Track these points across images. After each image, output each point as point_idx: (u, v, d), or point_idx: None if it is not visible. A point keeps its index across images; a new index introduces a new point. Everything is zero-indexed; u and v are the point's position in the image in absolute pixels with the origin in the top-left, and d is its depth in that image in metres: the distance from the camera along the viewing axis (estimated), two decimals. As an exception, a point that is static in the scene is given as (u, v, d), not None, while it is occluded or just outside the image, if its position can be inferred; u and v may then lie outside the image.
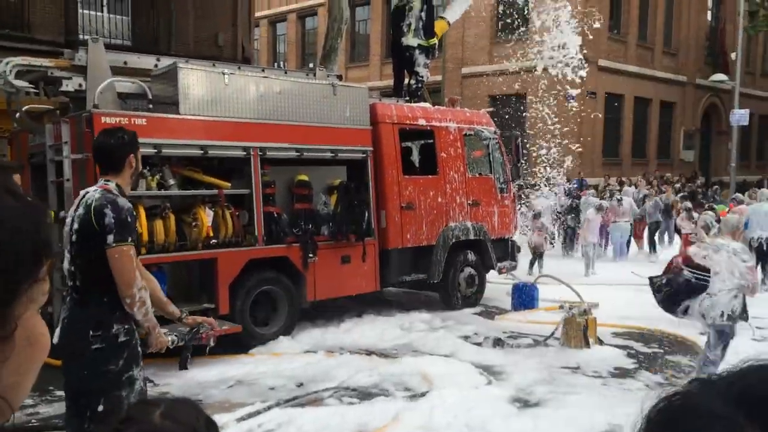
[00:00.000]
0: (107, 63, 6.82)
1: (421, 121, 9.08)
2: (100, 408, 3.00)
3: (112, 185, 3.16)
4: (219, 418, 5.08)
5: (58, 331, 3.11)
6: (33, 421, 5.28)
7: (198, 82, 6.89)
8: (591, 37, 15.91)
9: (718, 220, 10.55)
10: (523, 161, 11.51)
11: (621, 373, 6.52)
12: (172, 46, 13.14)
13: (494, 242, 9.80)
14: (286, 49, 36.26)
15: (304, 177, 7.78)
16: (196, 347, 3.76)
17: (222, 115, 7.06)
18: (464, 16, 27.58)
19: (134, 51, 8.85)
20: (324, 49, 12.73)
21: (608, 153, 24.79)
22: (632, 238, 14.90)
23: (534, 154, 16.02)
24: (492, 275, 10.12)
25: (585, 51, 12.95)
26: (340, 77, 9.25)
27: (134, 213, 3.20)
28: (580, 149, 19.53)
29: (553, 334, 7.45)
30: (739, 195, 15.03)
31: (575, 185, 18.35)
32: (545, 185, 18.10)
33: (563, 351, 7.11)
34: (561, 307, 8.00)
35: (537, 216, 13.12)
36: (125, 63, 7.21)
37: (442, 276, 9.04)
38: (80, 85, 6.77)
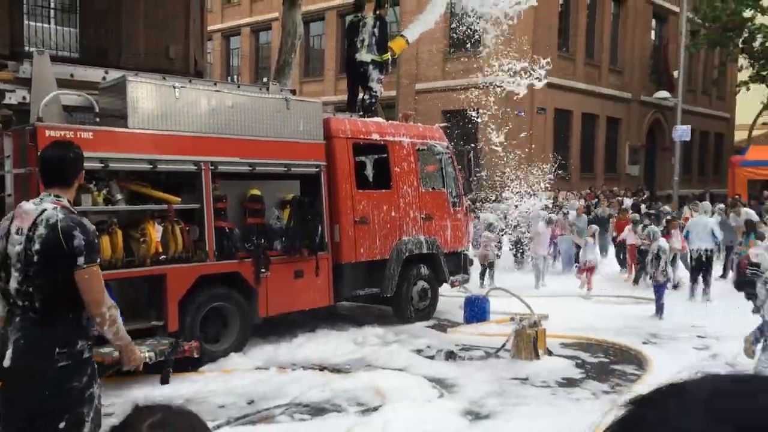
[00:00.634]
0: (53, 75, 6.68)
1: (375, 136, 9.15)
2: (62, 425, 2.96)
3: (64, 201, 3.10)
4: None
5: (9, 353, 3.01)
6: None
7: (147, 96, 6.81)
8: (545, 61, 16.31)
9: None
10: (474, 177, 11.69)
11: (569, 383, 6.66)
12: (121, 58, 12.90)
13: (447, 256, 9.90)
14: (239, 63, 36.05)
15: (256, 191, 7.74)
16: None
17: (172, 128, 6.97)
18: (418, 32, 27.83)
19: (82, 63, 8.67)
20: (278, 64, 12.73)
21: (562, 167, 25.36)
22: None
23: (485, 168, 16.29)
24: (445, 288, 10.21)
25: (537, 69, 13.23)
26: (293, 92, 9.26)
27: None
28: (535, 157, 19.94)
29: (504, 346, 7.55)
30: (666, 208, 15.54)
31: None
32: (498, 198, 18.40)
33: (514, 362, 7.22)
34: (512, 319, 8.12)
35: (488, 228, 13.34)
36: (72, 75, 7.08)
37: (395, 290, 9.09)
38: (24, 98, 6.62)
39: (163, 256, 6.78)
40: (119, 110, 6.72)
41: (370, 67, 10.03)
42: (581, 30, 26.29)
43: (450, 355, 7.60)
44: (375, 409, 5.68)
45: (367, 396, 6.06)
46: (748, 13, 29.14)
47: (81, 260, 2.99)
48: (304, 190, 8.39)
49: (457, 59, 26.14)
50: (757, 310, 6.11)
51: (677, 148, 24.33)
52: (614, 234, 15.24)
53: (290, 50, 12.40)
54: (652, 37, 31.43)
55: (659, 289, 9.89)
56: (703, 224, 11.31)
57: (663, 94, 26.53)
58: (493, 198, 19.38)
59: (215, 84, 8.13)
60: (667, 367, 6.91)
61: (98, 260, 3.11)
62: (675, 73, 26.07)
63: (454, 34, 25.72)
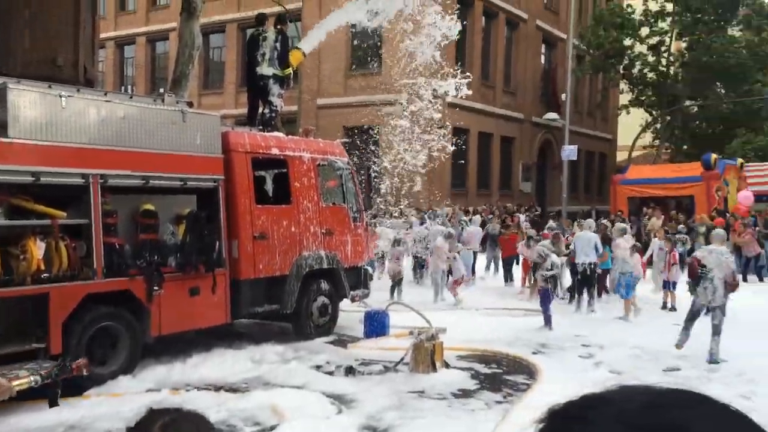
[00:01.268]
0: None
1: (275, 151, 9.08)
2: None
3: None
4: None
5: None
6: None
7: (31, 104, 6.44)
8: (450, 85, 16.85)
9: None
10: (374, 192, 11.86)
11: (464, 394, 6.84)
12: (3, 65, 12.10)
13: (347, 271, 9.94)
14: (134, 73, 34.73)
15: (149, 206, 7.46)
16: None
17: (57, 139, 6.62)
18: (320, 48, 28.02)
19: (-43, 68, 8.07)
20: (174, 75, 12.37)
21: (455, 184, 26.10)
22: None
23: (385, 184, 16.49)
24: (345, 303, 10.23)
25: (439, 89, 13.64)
26: (190, 104, 9.03)
27: None
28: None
29: (402, 359, 7.66)
30: (552, 224, 16.38)
31: (431, 215, 19.13)
32: (398, 214, 18.67)
33: (412, 376, 7.33)
34: (411, 333, 8.25)
35: (396, 243, 13.55)
36: (-55, 82, 6.57)
37: (295, 306, 9.01)
38: None
39: (45, 275, 6.40)
40: (-1, 119, 6.31)
41: (271, 81, 9.98)
42: (477, 52, 27.32)
43: (349, 371, 7.61)
44: (272, 428, 5.60)
45: (264, 415, 5.96)
46: (628, 42, 31.39)
47: None
48: (201, 204, 8.18)
49: (359, 76, 26.44)
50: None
51: (565, 167, 25.70)
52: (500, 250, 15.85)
53: (188, 61, 12.09)
54: (542, 61, 33.14)
55: (546, 301, 10.36)
56: (587, 239, 11.98)
57: (552, 115, 28.02)
58: (393, 213, 19.67)
59: (106, 94, 7.80)
60: (555, 375, 7.25)
61: None
62: (563, 96, 27.60)
63: (356, 52, 26.10)
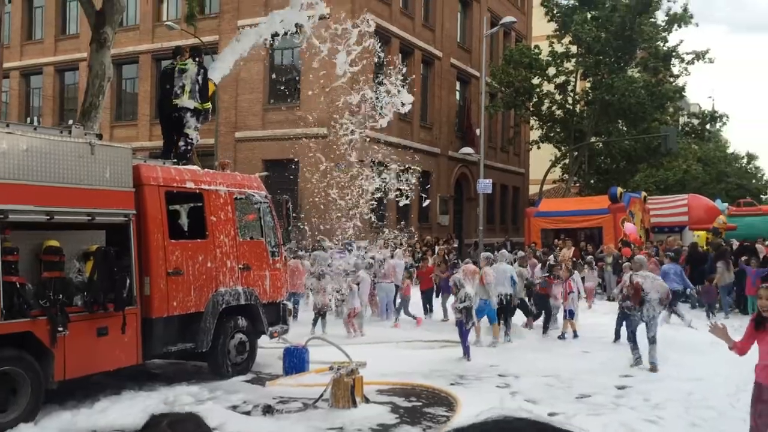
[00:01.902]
0: None
1: (190, 184, 8.88)
2: None
3: None
4: None
5: None
6: None
7: None
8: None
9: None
10: (293, 226, 11.77)
11: (383, 429, 6.81)
12: None
13: (266, 306, 9.75)
14: (42, 104, 33.29)
15: (54, 243, 7.10)
16: None
17: (-48, 173, 6.23)
18: (237, 81, 27.91)
19: None
20: (83, 106, 11.96)
21: (379, 218, 26.32)
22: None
23: (307, 218, 16.39)
24: (264, 340, 10.02)
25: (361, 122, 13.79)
26: (100, 136, 8.71)
27: None
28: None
29: (322, 396, 7.55)
30: (469, 260, 16.75)
31: (350, 247, 19.12)
32: (320, 247, 18.56)
33: (332, 412, 7.24)
34: (330, 368, 8.17)
35: (320, 277, 13.46)
36: None
37: (211, 344, 8.74)
38: None
39: (-65, 318, 5.94)
40: None
41: (189, 114, 9.79)
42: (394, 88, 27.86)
43: (267, 410, 7.43)
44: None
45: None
46: (536, 81, 32.91)
47: None
48: (110, 240, 7.86)
49: (277, 109, 26.40)
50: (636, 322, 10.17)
51: (481, 200, 26.42)
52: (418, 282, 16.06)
53: (98, 92, 11.73)
54: (457, 97, 34.22)
55: (464, 332, 10.53)
56: (503, 270, 12.32)
57: (467, 150, 28.90)
58: (312, 247, 19.55)
59: (8, 125, 7.43)
60: (473, 406, 7.33)
61: None
62: (477, 131, 28.52)
63: (274, 85, 26.08)
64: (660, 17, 31.72)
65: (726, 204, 34.54)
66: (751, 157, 67.80)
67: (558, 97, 33.49)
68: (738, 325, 13.91)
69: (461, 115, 34.03)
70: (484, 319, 11.92)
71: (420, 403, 7.90)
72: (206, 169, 9.79)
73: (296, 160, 25.38)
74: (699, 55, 31.79)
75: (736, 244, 19.85)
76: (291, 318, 11.08)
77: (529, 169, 41.49)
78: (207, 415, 1.61)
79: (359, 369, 7.93)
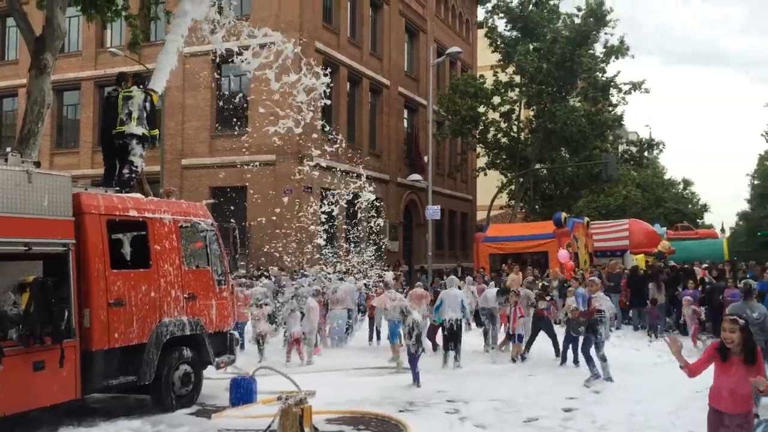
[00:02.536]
0: None
1: (133, 213, 8.69)
2: None
3: None
4: None
5: None
6: None
7: None
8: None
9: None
10: (239, 254, 11.62)
11: (334, 459, 6.71)
12: None
13: (212, 336, 9.55)
14: (-23, 130, 32.17)
15: (-13, 274, 6.83)
16: None
17: None
18: (184, 108, 27.63)
19: None
20: (21, 133, 11.61)
21: (324, 243, 26.20)
22: None
23: (254, 245, 16.21)
24: (210, 371, 9.80)
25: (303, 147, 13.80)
26: (38, 164, 8.45)
27: None
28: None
29: (269, 427, 7.39)
30: (419, 284, 16.89)
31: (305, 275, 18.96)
32: (266, 275, 18.36)
33: (280, 443, 7.08)
34: (279, 398, 8.03)
35: (261, 306, 13.31)
36: None
37: (154, 376, 8.49)
38: None
39: None
40: None
41: (135, 141, 9.63)
42: (343, 116, 28.07)
43: (213, 442, 7.24)
44: None
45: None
46: (482, 109, 33.68)
47: None
48: (48, 270, 7.60)
49: (225, 136, 26.19)
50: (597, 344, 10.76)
51: (430, 226, 26.69)
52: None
53: (37, 119, 11.41)
54: (405, 125, 34.66)
55: (413, 359, 10.53)
56: (454, 296, 12.43)
57: (416, 176, 29.21)
58: (260, 274, 19.33)
59: (-61, 152, 7.16)
60: (423, 432, 7.32)
61: None
62: (425, 158, 28.90)
63: (222, 112, 25.89)
64: (598, 49, 33.04)
65: (664, 228, 35.83)
66: (687, 183, 70.71)
67: (503, 125, 34.31)
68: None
69: (409, 143, 34.46)
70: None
71: (370, 431, 7.83)
72: (151, 197, 9.61)
73: (244, 187, 25.16)
74: (636, 86, 33.14)
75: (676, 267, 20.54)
76: (238, 348, 10.87)
77: (477, 196, 42.17)
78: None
79: (308, 398, 7.81)
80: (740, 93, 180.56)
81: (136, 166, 9.76)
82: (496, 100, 33.38)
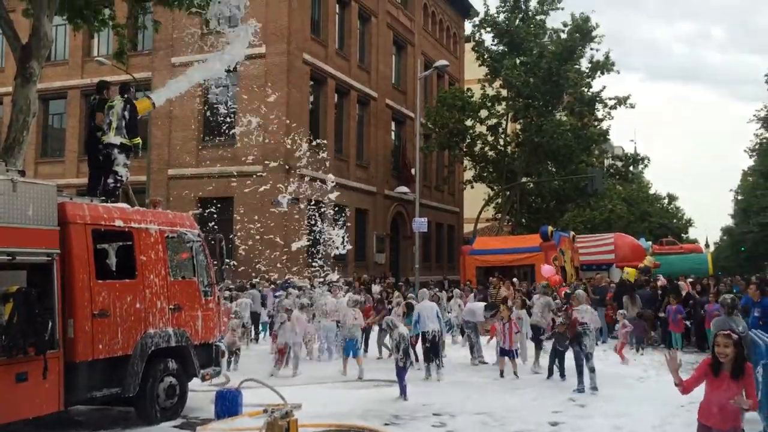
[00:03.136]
0: None
1: (118, 222, 8.62)
2: None
3: None
4: None
5: None
6: None
7: None
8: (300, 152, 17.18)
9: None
10: (226, 265, 11.57)
11: (320, 472, 6.66)
12: None
13: (197, 348, 9.47)
14: (-40, 138, 31.82)
15: (-30, 284, 6.74)
16: None
17: None
18: (170, 118, 27.51)
19: None
20: (6, 142, 11.51)
21: (311, 255, 26.13)
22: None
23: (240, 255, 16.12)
24: (195, 383, 9.71)
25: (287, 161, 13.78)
26: (22, 172, 8.38)
27: None
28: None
29: (255, 439, 7.34)
30: (411, 295, 16.86)
31: (287, 286, 18.88)
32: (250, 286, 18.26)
33: (265, 456, 7.02)
34: (264, 411, 7.97)
35: (234, 315, 13.34)
36: None
37: (138, 388, 8.39)
38: None
39: None
40: None
41: (116, 150, 9.59)
42: (330, 127, 28.11)
43: (198, 455, 7.16)
44: None
45: None
46: (469, 123, 33.87)
47: None
48: (32, 280, 7.51)
49: (212, 147, 26.11)
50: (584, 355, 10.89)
51: (417, 238, 26.71)
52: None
53: (22, 128, 11.32)
54: (393, 137, 34.76)
55: (400, 372, 10.50)
56: (430, 308, 12.48)
57: (403, 188, 29.29)
58: (249, 285, 19.23)
59: None
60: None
61: None
62: (413, 171, 28.97)
63: (209, 122, 25.83)
64: (584, 64, 33.39)
65: (650, 242, 36.09)
66: (671, 198, 71.45)
67: (490, 138, 34.50)
68: (664, 360, 14.45)
69: (397, 155, 34.53)
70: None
71: (356, 445, 7.78)
72: (137, 207, 9.55)
73: (231, 197, 25.06)
74: (621, 101, 33.49)
75: (662, 280, 20.64)
76: (223, 360, 10.78)
77: (464, 208, 42.29)
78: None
79: (294, 411, 7.76)
80: (722, 108, 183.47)
81: (121, 176, 9.71)
82: (483, 113, 33.59)
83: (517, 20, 33.49)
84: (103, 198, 9.28)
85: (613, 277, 24.21)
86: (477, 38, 34.69)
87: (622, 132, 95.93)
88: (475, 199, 37.72)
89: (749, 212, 51.64)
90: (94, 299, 7.98)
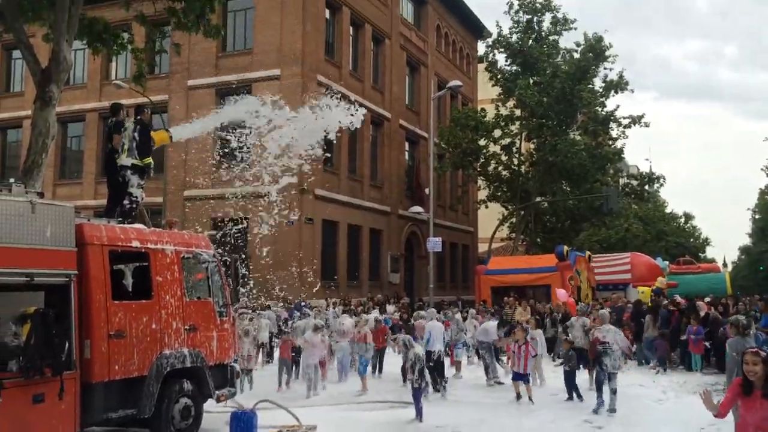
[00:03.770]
0: None
1: (135, 243, 8.68)
2: None
3: None
4: None
5: None
6: None
7: None
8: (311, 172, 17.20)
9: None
10: (240, 286, 11.60)
11: (336, 495, 6.59)
12: None
13: (213, 369, 9.46)
14: (-18, 162, 32.36)
15: (-12, 304, 6.79)
16: None
17: None
18: (187, 139, 27.71)
19: None
20: (25, 164, 11.68)
21: (326, 276, 26.12)
22: None
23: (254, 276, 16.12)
24: (210, 404, 9.68)
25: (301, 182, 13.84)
26: (41, 194, 8.49)
27: None
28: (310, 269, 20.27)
29: (270, 461, 7.30)
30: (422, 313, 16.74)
31: (301, 305, 18.88)
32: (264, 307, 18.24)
33: (280, 478, 6.98)
34: (279, 432, 7.93)
35: (245, 334, 13.30)
36: None
37: (154, 409, 8.38)
38: None
39: None
40: None
41: (129, 171, 9.70)
42: (344, 147, 28.24)
43: (213, 477, 7.12)
44: None
45: None
46: (482, 142, 33.88)
47: None
48: (49, 301, 7.55)
49: (228, 168, 26.27)
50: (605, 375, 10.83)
51: (431, 258, 26.62)
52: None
53: (41, 150, 11.49)
54: (406, 157, 34.84)
55: (417, 393, 10.41)
56: (439, 328, 12.50)
57: (417, 208, 29.27)
58: (260, 306, 19.23)
59: (-56, 183, 7.18)
60: None
61: None
62: (426, 191, 28.97)
63: (226, 144, 26.02)
64: (598, 83, 33.38)
65: (667, 262, 35.71)
66: (688, 217, 70.75)
67: (504, 158, 34.47)
68: (683, 381, 14.23)
69: (410, 175, 34.58)
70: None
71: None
72: (153, 228, 9.62)
73: (246, 218, 25.17)
74: (635, 120, 33.36)
75: (679, 300, 20.35)
76: (238, 381, 10.75)
77: (478, 228, 42.15)
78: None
79: (309, 432, 7.73)
80: (736, 126, 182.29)
81: (136, 197, 9.80)
82: (497, 133, 33.60)
83: (530, 40, 33.61)
84: (120, 219, 9.36)
85: (631, 297, 23.93)
86: (490, 58, 34.84)
87: (637, 151, 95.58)
88: (490, 218, 37.59)
89: (767, 231, 51.01)
90: (110, 320, 8.01)
